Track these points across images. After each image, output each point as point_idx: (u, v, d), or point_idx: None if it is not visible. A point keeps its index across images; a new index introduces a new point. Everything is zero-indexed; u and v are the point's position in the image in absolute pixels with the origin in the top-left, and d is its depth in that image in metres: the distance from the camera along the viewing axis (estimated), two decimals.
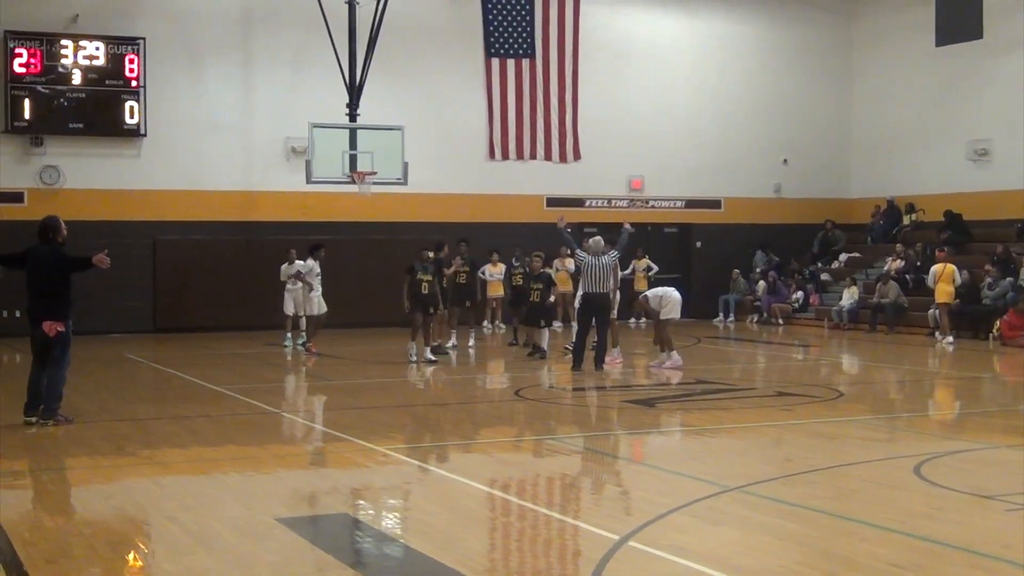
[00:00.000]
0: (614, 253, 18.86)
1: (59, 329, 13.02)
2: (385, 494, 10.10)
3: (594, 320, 18.61)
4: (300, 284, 22.57)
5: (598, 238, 19.11)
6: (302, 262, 22.63)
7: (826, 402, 15.53)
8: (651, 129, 31.60)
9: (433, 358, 19.92)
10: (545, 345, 20.72)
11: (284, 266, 23.05)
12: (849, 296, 28.58)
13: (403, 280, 20.09)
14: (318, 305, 22.19)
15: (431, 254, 20.26)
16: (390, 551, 8.09)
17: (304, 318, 22.87)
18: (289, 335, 23.01)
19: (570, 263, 26.27)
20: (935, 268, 25.61)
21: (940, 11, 30.11)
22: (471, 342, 22.45)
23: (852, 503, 9.29)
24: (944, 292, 25.07)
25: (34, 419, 13.07)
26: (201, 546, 7.95)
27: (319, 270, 22.27)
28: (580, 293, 19.26)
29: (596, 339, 18.83)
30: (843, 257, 31.97)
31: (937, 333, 24.97)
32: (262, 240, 26.77)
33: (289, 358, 21.71)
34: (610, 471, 11.32)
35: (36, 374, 13.25)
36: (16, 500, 9.78)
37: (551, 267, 23.64)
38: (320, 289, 22.17)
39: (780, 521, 8.61)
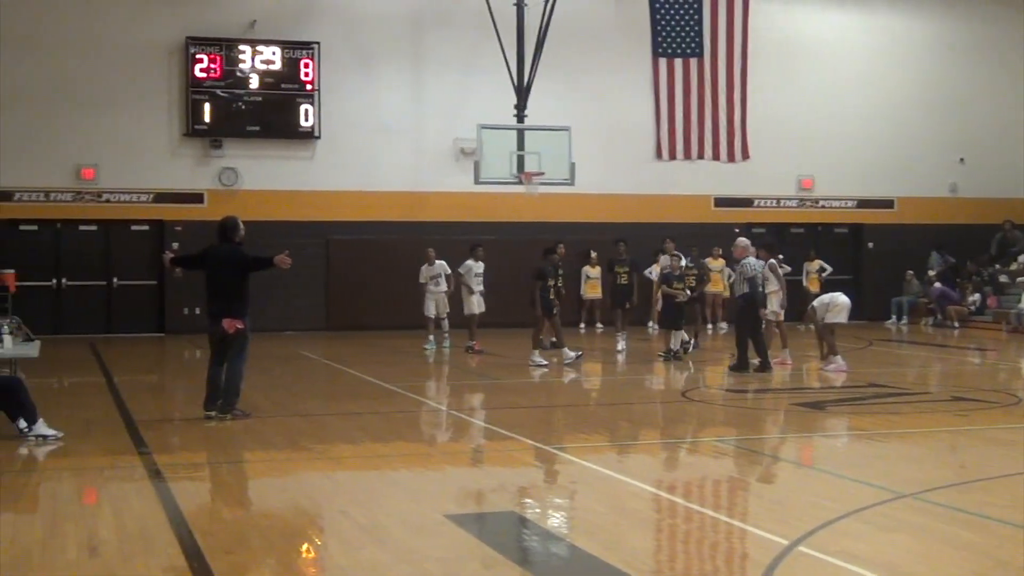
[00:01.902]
0: (745, 260, 18.66)
1: (239, 327, 13.31)
2: (551, 493, 10.15)
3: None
4: (444, 286, 22.54)
5: (741, 239, 19.12)
6: (441, 263, 22.70)
7: (1004, 408, 15.04)
8: (822, 127, 31.08)
9: (543, 362, 19.60)
10: (677, 346, 20.49)
11: (424, 267, 22.84)
12: None
13: (536, 283, 20.06)
14: (477, 304, 22.26)
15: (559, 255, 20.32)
16: (556, 550, 8.12)
17: (445, 320, 22.79)
18: (432, 337, 22.80)
19: (720, 263, 26.31)
20: None
21: None
22: (621, 345, 22.23)
23: None
24: None
25: (213, 414, 13.43)
26: (372, 540, 8.10)
27: (478, 270, 22.40)
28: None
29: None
30: (1022, 258, 30.95)
31: None
32: (431, 240, 27.04)
33: (432, 359, 21.70)
34: (778, 474, 11.18)
35: (215, 370, 13.56)
36: (196, 492, 10.11)
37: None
38: (480, 288, 22.30)
39: (955, 529, 8.40)
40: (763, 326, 18.92)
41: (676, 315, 20.56)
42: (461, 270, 22.41)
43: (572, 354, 19.82)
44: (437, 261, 22.83)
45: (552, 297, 19.92)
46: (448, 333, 22.94)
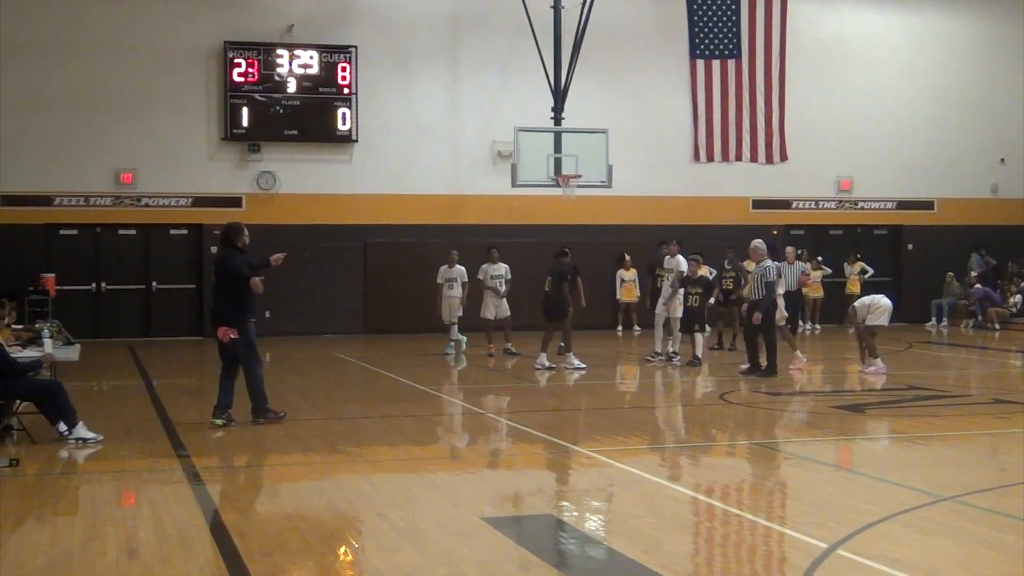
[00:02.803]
0: (763, 263, 18.40)
1: (232, 336, 13.14)
2: (588, 496, 10.13)
3: None
4: (457, 291, 22.21)
5: (758, 241, 18.97)
6: (460, 268, 22.41)
7: None
8: (860, 128, 30.91)
9: (581, 364, 19.53)
10: (700, 352, 20.17)
11: (443, 268, 22.59)
12: None
13: (570, 285, 19.96)
14: (493, 309, 21.88)
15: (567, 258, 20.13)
16: (593, 553, 8.11)
17: (455, 325, 22.45)
18: (452, 342, 22.54)
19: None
20: None
21: None
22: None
23: None
24: None
25: (219, 422, 13.21)
26: (409, 543, 8.11)
27: (496, 273, 22.06)
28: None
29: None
30: None
31: None
32: (469, 243, 27.02)
33: (466, 363, 21.69)
34: (818, 477, 11.10)
35: (223, 378, 13.50)
36: (234, 494, 10.17)
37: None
38: (504, 291, 22.02)
39: (996, 533, 8.32)
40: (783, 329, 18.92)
41: (692, 319, 20.29)
42: (479, 275, 22.20)
43: (546, 363, 19.56)
44: (457, 265, 22.58)
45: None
46: (457, 340, 22.59)
